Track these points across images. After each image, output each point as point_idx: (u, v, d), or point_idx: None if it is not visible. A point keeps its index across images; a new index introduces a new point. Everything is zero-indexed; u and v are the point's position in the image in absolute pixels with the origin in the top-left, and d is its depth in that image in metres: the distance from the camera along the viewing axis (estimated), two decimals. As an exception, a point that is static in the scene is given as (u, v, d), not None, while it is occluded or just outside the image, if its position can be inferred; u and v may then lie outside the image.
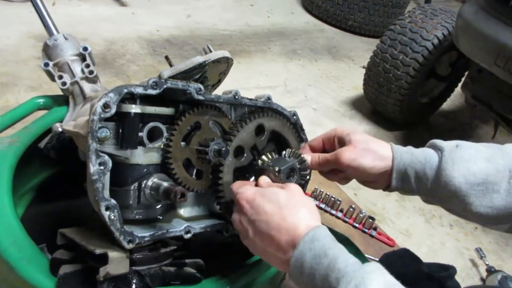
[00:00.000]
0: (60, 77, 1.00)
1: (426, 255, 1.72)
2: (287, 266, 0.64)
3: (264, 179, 0.77)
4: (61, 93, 1.04)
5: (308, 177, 0.98)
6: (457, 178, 0.74)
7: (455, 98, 2.96)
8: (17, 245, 0.73)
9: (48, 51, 1.04)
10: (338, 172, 0.87)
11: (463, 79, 2.33)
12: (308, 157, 0.86)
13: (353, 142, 0.82)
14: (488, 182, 0.74)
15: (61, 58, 1.02)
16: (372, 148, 0.81)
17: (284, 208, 0.67)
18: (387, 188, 0.85)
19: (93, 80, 1.04)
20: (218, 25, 3.40)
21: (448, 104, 2.89)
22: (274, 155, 0.87)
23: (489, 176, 0.74)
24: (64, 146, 0.97)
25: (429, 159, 0.78)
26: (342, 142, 0.85)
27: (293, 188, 0.71)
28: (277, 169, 0.79)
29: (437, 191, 0.78)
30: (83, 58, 1.04)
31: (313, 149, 0.90)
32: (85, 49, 1.04)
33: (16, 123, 1.04)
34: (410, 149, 0.82)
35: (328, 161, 0.84)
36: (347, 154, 0.80)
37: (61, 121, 1.01)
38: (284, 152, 0.87)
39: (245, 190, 0.72)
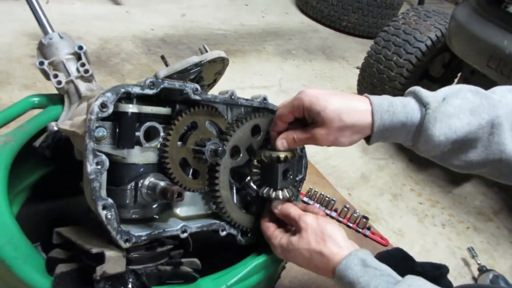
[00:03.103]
0: (55, 76, 1.00)
1: (419, 254, 1.74)
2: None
3: (276, 208, 0.88)
4: (56, 91, 1.04)
5: (303, 173, 0.99)
6: (437, 136, 0.74)
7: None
8: (12, 244, 0.73)
9: (43, 49, 1.04)
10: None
11: (456, 80, 2.35)
12: (284, 140, 0.84)
13: (326, 122, 0.76)
14: (468, 139, 0.74)
15: (56, 57, 1.02)
16: (349, 123, 0.75)
17: (310, 261, 0.79)
18: (366, 141, 0.82)
19: (88, 79, 1.04)
20: (213, 25, 3.40)
21: (441, 105, 2.92)
22: (261, 164, 0.89)
23: (470, 133, 0.73)
24: (59, 145, 0.97)
25: (410, 117, 0.76)
26: (313, 117, 0.78)
27: (305, 228, 0.80)
28: (274, 195, 0.86)
29: (415, 143, 0.79)
30: (78, 57, 1.04)
31: (284, 121, 0.85)
32: (80, 48, 1.04)
33: (11, 121, 1.03)
34: (391, 106, 0.76)
35: (305, 142, 0.82)
36: (323, 137, 0.78)
37: (56, 120, 1.01)
38: (262, 158, 0.87)
39: (275, 249, 0.85)
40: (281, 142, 0.84)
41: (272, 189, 0.86)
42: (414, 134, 0.78)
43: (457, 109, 0.74)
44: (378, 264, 0.73)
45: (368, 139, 0.82)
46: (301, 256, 0.79)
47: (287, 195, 0.86)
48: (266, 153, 0.86)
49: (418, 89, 0.78)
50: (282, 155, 0.84)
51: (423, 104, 0.76)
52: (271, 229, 0.86)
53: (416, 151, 0.82)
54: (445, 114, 0.74)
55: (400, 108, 0.76)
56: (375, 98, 0.78)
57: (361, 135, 0.79)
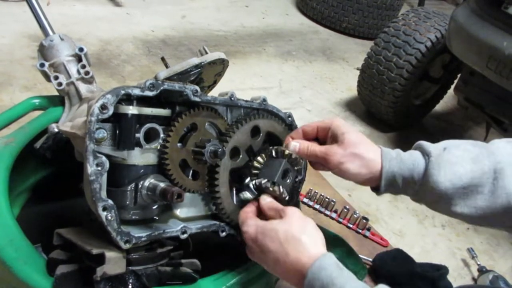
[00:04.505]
0: (56, 77, 1.00)
1: (419, 255, 1.74)
2: None
3: (264, 199, 0.82)
4: (56, 93, 1.05)
5: (303, 174, 0.99)
6: (443, 183, 0.76)
7: (448, 100, 2.99)
8: (13, 245, 0.73)
9: (44, 51, 1.05)
10: (323, 165, 0.87)
11: (455, 81, 2.36)
12: (297, 144, 0.86)
13: (345, 143, 0.81)
14: (473, 184, 0.75)
15: (57, 59, 1.03)
16: (361, 154, 0.81)
17: (284, 243, 0.71)
18: (375, 190, 0.86)
19: (89, 80, 1.04)
20: (213, 26, 3.41)
21: (441, 106, 2.92)
22: (266, 157, 0.88)
23: (474, 178, 0.75)
24: (60, 147, 0.97)
25: (416, 165, 0.79)
26: (335, 137, 0.84)
27: (291, 214, 0.75)
28: (269, 185, 0.83)
29: (424, 194, 0.80)
30: (79, 58, 1.04)
31: (306, 135, 0.89)
32: (81, 49, 1.04)
33: (12, 123, 1.04)
34: (399, 154, 0.82)
35: (316, 156, 0.84)
36: (336, 157, 0.81)
37: (56, 122, 1.01)
38: (270, 150, 0.86)
39: (248, 228, 0.77)
40: (294, 144, 0.86)
41: (268, 180, 0.84)
42: (421, 183, 0.79)
43: (459, 159, 0.77)
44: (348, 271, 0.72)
45: (377, 190, 0.84)
46: (276, 236, 0.72)
47: (280, 191, 0.84)
48: (276, 147, 0.86)
49: (421, 142, 0.84)
50: (291, 153, 0.85)
51: (426, 153, 0.80)
52: (249, 214, 0.81)
53: (426, 204, 0.83)
54: (448, 161, 0.77)
55: (407, 156, 0.81)
56: (384, 148, 0.84)
57: (368, 172, 0.81)
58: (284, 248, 0.71)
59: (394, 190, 0.83)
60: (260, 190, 0.86)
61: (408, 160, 0.80)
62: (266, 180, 0.83)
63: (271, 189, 0.82)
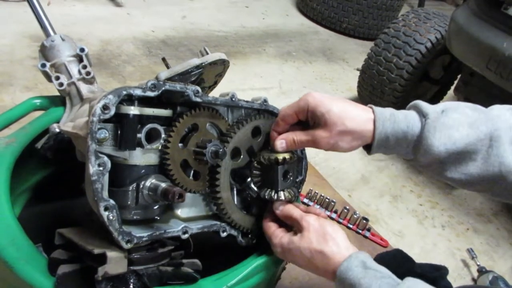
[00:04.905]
0: (57, 78, 1.00)
1: (419, 256, 1.74)
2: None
3: (277, 208, 0.88)
4: (57, 93, 1.05)
5: (303, 175, 1.00)
6: (437, 147, 0.74)
7: (448, 101, 3.00)
8: (15, 244, 0.73)
9: (45, 52, 1.05)
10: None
11: (455, 82, 2.36)
12: (283, 141, 0.84)
13: (329, 124, 0.77)
14: (467, 151, 0.74)
15: (58, 59, 1.03)
16: (350, 129, 0.77)
17: (311, 260, 0.78)
18: (366, 149, 0.83)
19: (90, 81, 1.04)
20: (213, 26, 3.41)
21: (441, 106, 2.92)
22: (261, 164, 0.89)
23: (469, 144, 0.74)
24: (61, 147, 0.97)
25: (411, 126, 0.77)
26: (316, 119, 0.80)
27: (307, 227, 0.80)
28: (275, 197, 0.86)
29: (416, 155, 0.79)
30: (80, 59, 1.05)
31: (287, 122, 0.85)
32: (82, 50, 1.04)
33: (13, 123, 1.04)
34: (392, 114, 0.79)
35: (305, 144, 0.83)
36: (324, 141, 0.78)
37: (58, 122, 1.01)
38: (262, 160, 0.87)
39: (275, 248, 0.84)
40: (280, 142, 0.84)
41: (273, 191, 0.87)
42: (414, 144, 0.78)
43: (456, 122, 0.75)
44: (378, 266, 0.74)
45: (369, 149, 0.82)
46: (301, 255, 0.79)
47: (288, 196, 0.87)
48: (265, 155, 0.86)
49: (418, 102, 0.81)
50: (280, 156, 0.84)
51: (422, 114, 0.78)
52: (272, 228, 0.86)
53: (416, 165, 0.82)
54: (444, 125, 0.75)
55: (402, 117, 0.78)
56: (377, 108, 0.80)
57: (361, 142, 0.80)
58: (312, 263, 0.78)
59: (385, 150, 0.81)
60: (266, 201, 0.90)
61: (403, 122, 0.77)
62: (269, 190, 0.87)
63: (282, 197, 0.86)
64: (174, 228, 0.76)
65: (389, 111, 0.80)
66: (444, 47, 2.14)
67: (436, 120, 0.76)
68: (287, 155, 0.85)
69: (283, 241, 0.82)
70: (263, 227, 0.89)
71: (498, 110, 0.78)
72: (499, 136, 0.73)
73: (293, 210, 0.85)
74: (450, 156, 0.75)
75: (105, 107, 0.66)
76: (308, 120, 0.83)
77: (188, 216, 0.85)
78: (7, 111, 1.03)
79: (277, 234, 0.85)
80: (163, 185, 0.72)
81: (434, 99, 2.76)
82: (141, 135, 0.74)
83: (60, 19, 2.78)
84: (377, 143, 0.79)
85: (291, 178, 0.89)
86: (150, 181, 0.74)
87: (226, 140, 0.84)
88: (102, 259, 0.66)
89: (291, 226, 0.86)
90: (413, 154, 0.80)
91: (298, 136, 0.82)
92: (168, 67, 1.02)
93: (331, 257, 0.75)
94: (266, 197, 0.87)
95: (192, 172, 0.83)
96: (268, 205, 0.91)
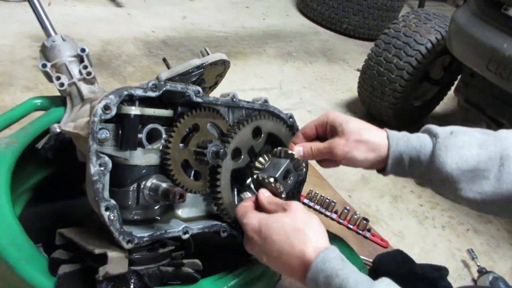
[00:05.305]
0: (58, 78, 1.01)
1: (419, 256, 1.74)
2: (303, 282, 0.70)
3: (263, 194, 0.81)
4: (58, 94, 1.05)
5: (304, 175, 1.00)
6: (450, 164, 0.76)
7: (448, 102, 3.00)
8: (16, 244, 0.73)
9: (45, 52, 1.05)
10: (331, 161, 0.87)
11: (456, 83, 2.36)
12: (300, 148, 0.87)
13: (346, 133, 0.82)
14: (479, 169, 0.76)
15: (58, 59, 1.03)
16: (366, 139, 0.82)
17: (290, 236, 0.71)
18: (382, 172, 0.86)
19: (90, 81, 1.04)
20: (214, 27, 3.41)
21: (441, 107, 2.93)
22: (269, 157, 0.88)
23: (481, 163, 0.76)
24: (62, 147, 0.97)
25: (424, 146, 0.80)
26: (334, 130, 0.85)
27: (295, 208, 0.75)
28: (272, 180, 0.82)
29: (429, 175, 0.80)
30: (80, 59, 1.05)
31: (306, 136, 0.90)
32: (83, 50, 1.05)
33: (14, 123, 1.04)
34: (405, 135, 0.83)
35: (321, 153, 0.85)
36: (340, 148, 0.82)
37: (58, 122, 1.01)
38: (275, 151, 0.87)
39: (250, 220, 0.76)
40: (297, 149, 0.87)
41: (269, 176, 0.83)
42: (427, 163, 0.79)
43: (466, 143, 0.78)
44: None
45: (383, 171, 0.85)
46: (282, 228, 0.72)
47: (281, 188, 0.83)
48: (280, 148, 0.87)
49: (429, 125, 0.85)
50: (295, 153, 0.85)
51: (433, 135, 0.81)
52: (249, 208, 0.80)
53: (431, 187, 0.83)
54: (455, 145, 0.77)
55: (414, 137, 0.82)
56: (390, 130, 0.85)
57: (375, 155, 0.82)
58: (289, 240, 0.71)
59: (400, 170, 0.83)
60: (259, 185, 0.85)
61: (415, 141, 0.81)
62: (267, 175, 0.83)
63: (273, 184, 0.82)
64: (175, 228, 0.76)
65: (402, 133, 0.84)
66: (445, 48, 2.14)
67: (446, 139, 0.78)
68: (301, 159, 0.86)
69: (261, 215, 0.76)
70: (238, 208, 0.82)
71: (505, 132, 0.81)
72: (508, 156, 0.75)
73: (279, 198, 0.82)
74: (463, 174, 0.77)
75: (106, 107, 0.67)
76: (326, 135, 0.87)
77: (188, 216, 0.85)
78: (7, 111, 1.03)
79: (253, 210, 0.79)
80: (164, 185, 0.72)
81: (434, 100, 2.76)
82: (142, 135, 0.74)
83: (60, 19, 2.78)
84: (392, 161, 0.82)
85: (290, 181, 0.87)
86: (151, 181, 0.74)
87: (227, 141, 0.84)
88: (103, 259, 0.66)
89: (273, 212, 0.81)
90: (427, 174, 0.81)
91: (315, 144, 0.86)
92: (168, 68, 1.02)
93: (312, 241, 0.70)
94: (260, 178, 0.83)
95: (192, 172, 0.83)
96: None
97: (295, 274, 0.71)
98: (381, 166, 0.85)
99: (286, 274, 0.74)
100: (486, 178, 0.76)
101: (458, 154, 0.77)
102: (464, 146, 0.77)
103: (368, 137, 0.82)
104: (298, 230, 0.71)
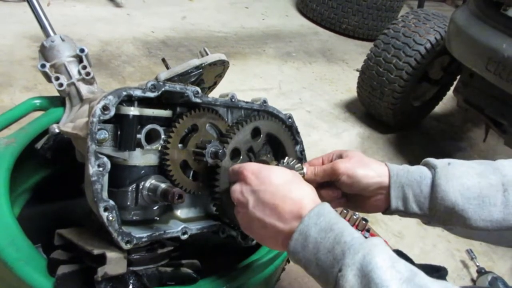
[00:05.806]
0: (57, 78, 1.01)
1: (418, 257, 1.74)
2: (286, 239, 0.65)
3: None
4: (57, 94, 1.05)
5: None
6: (453, 193, 0.76)
7: (447, 102, 3.00)
8: (15, 245, 0.73)
9: (44, 52, 1.05)
10: (332, 187, 0.87)
11: (455, 83, 2.36)
12: (304, 168, 0.87)
13: (349, 156, 0.86)
14: (484, 196, 0.76)
15: (58, 60, 1.03)
16: (367, 163, 0.84)
17: (290, 183, 0.69)
18: (387, 209, 0.85)
19: (89, 81, 1.04)
20: (213, 27, 3.41)
21: (440, 107, 2.93)
22: (270, 157, 0.88)
23: (483, 190, 0.76)
24: (61, 147, 0.97)
25: (424, 177, 0.80)
26: (339, 157, 0.88)
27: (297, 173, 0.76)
28: (270, 158, 0.82)
29: (435, 208, 0.79)
30: (80, 59, 1.05)
31: (311, 165, 0.91)
32: (82, 50, 1.05)
33: (13, 123, 1.04)
34: (405, 167, 0.84)
35: (324, 171, 0.86)
36: (342, 164, 0.83)
37: (57, 122, 1.02)
38: (282, 161, 0.87)
39: (251, 164, 0.75)
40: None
41: (269, 156, 0.86)
42: (430, 195, 0.79)
43: (464, 173, 0.78)
44: None
45: (387, 210, 0.85)
46: (280, 175, 0.70)
47: (275, 162, 0.86)
48: (287, 159, 0.85)
49: (426, 158, 0.85)
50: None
51: (431, 166, 0.81)
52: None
53: (440, 222, 0.81)
54: (454, 175, 0.78)
55: (414, 169, 0.83)
56: (387, 163, 0.86)
57: (376, 175, 0.82)
58: (288, 185, 0.69)
59: (405, 205, 0.82)
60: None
61: (415, 173, 0.82)
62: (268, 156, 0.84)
63: (269, 162, 0.82)
64: (174, 228, 0.76)
65: (402, 165, 0.86)
66: (444, 48, 2.14)
67: (444, 169, 0.79)
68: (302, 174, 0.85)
69: (254, 167, 0.73)
70: (229, 169, 0.79)
71: (502, 162, 0.81)
72: (510, 181, 0.76)
73: None
74: (468, 201, 0.76)
75: (105, 108, 0.67)
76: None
77: (187, 217, 0.85)
78: (6, 112, 1.03)
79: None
80: (163, 185, 0.72)
81: (434, 100, 2.76)
82: (141, 136, 0.74)
83: (60, 20, 2.78)
84: (394, 193, 0.82)
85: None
86: (149, 182, 0.74)
87: (226, 141, 0.84)
88: (101, 260, 0.66)
89: None
90: (432, 208, 0.79)
91: (319, 167, 0.88)
92: (168, 68, 1.02)
93: (309, 193, 0.69)
94: (264, 157, 0.85)
95: (191, 172, 0.83)
96: None
97: (279, 226, 0.66)
98: (386, 202, 0.84)
99: (266, 230, 0.68)
100: (493, 205, 0.76)
101: (459, 182, 0.77)
102: (463, 176, 0.78)
103: (370, 163, 0.85)
104: (298, 182, 0.71)
